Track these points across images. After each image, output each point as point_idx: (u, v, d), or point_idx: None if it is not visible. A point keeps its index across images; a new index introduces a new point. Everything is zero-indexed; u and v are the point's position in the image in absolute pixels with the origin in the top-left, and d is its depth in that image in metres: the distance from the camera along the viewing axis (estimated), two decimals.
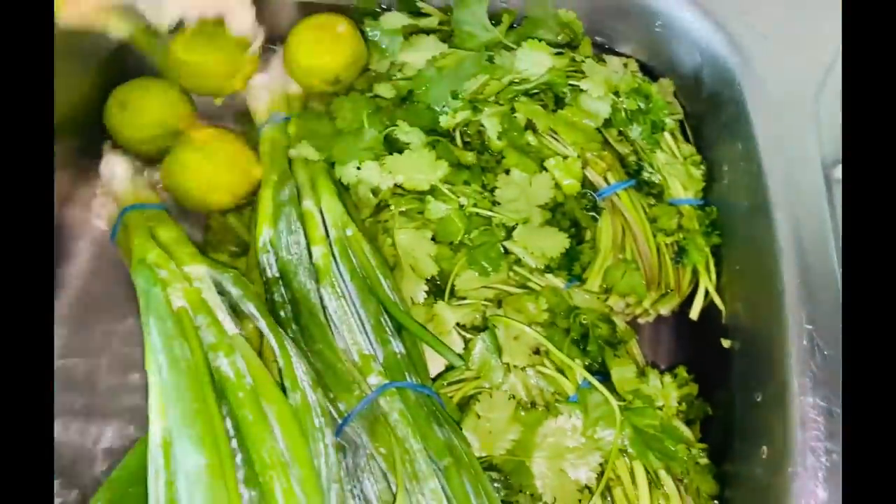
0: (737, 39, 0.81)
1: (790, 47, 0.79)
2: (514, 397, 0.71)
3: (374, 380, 0.64)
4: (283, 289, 0.71)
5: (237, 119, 0.89)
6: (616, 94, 0.83)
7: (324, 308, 0.69)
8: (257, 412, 0.60)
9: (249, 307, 0.67)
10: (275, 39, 0.89)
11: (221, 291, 0.68)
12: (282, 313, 0.70)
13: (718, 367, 0.76)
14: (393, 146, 0.81)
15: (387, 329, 0.68)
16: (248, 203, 0.82)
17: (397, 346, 0.67)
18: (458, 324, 0.74)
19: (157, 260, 0.68)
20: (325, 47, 0.85)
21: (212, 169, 0.79)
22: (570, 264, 0.77)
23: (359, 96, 0.83)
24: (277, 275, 0.72)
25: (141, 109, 0.82)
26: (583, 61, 0.84)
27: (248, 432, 0.59)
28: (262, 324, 0.66)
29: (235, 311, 0.67)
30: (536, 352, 0.73)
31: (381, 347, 0.67)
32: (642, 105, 0.82)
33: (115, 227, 0.76)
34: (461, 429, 0.68)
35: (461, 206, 0.78)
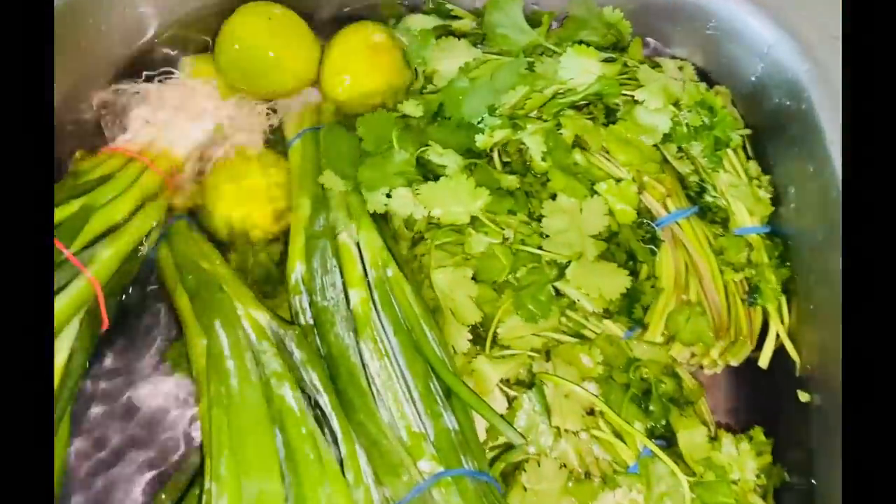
0: (806, 43, 0.72)
1: None
2: (564, 466, 0.62)
3: (426, 465, 0.55)
4: (318, 339, 0.63)
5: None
6: (675, 105, 0.72)
7: (364, 366, 0.60)
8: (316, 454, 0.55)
9: (312, 377, 0.59)
10: None
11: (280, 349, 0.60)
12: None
13: (794, 423, 0.68)
14: (425, 169, 0.71)
15: (437, 398, 0.59)
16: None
17: (450, 421, 0.58)
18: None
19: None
20: (361, 60, 0.78)
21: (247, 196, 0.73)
22: (631, 307, 0.68)
23: (384, 113, 0.73)
24: (311, 322, 0.63)
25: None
26: (637, 67, 0.74)
27: (306, 472, 0.54)
28: (325, 399, 0.58)
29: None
30: (590, 412, 0.64)
31: (432, 422, 0.58)
32: (706, 119, 0.72)
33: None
34: None
35: (505, 240, 0.68)
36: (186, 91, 0.78)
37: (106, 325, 0.66)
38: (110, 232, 0.67)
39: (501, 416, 0.61)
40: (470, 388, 0.61)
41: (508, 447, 0.64)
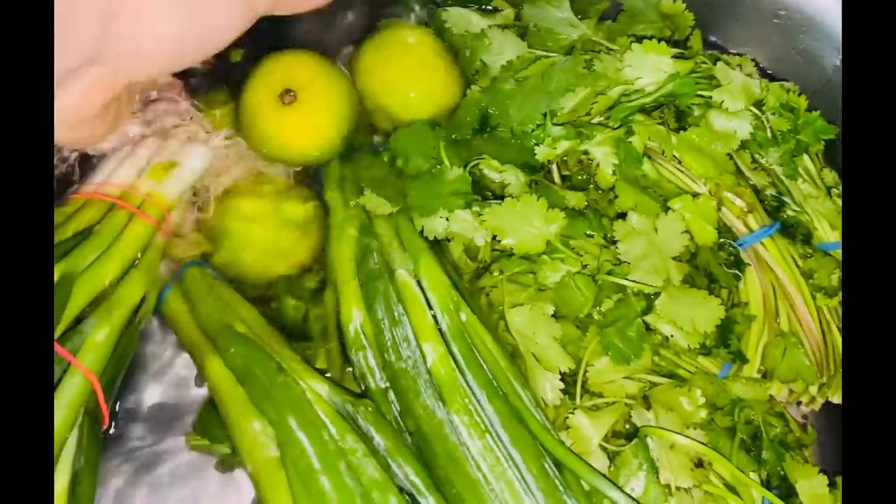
0: None
1: None
2: None
3: None
4: (396, 409, 0.53)
5: None
6: (757, 107, 0.65)
7: (464, 446, 0.50)
8: None
9: (407, 471, 0.50)
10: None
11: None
12: None
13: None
14: (478, 187, 0.62)
15: (557, 483, 0.50)
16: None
17: None
18: None
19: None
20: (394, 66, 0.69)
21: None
22: (726, 339, 0.60)
23: (423, 125, 0.63)
24: (385, 386, 0.53)
25: None
26: (710, 64, 0.66)
27: None
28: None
29: None
30: (699, 464, 0.56)
31: None
32: (791, 122, 0.65)
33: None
34: None
35: (583, 268, 0.59)
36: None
37: (107, 422, 0.54)
38: (97, 302, 0.54)
39: (624, 491, 0.52)
40: (591, 466, 0.52)
41: None
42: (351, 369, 0.57)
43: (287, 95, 0.64)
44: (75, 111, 0.48)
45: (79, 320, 0.54)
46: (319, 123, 0.66)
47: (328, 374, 0.57)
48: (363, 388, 0.55)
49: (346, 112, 0.68)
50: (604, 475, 0.52)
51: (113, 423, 0.60)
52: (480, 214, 0.59)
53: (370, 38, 0.71)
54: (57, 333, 0.51)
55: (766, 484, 0.57)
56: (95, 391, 0.52)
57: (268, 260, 0.64)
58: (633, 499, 0.51)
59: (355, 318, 0.56)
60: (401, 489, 0.49)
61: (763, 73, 0.74)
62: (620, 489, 0.52)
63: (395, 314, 0.55)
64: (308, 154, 0.67)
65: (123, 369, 0.58)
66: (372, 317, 0.55)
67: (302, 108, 0.65)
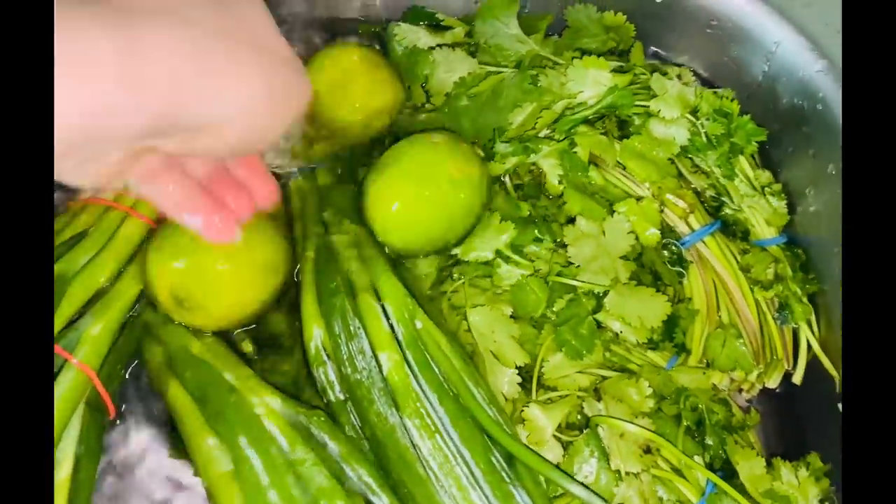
0: (815, 40, 0.71)
1: None
2: None
3: None
4: (354, 418, 0.56)
5: None
6: (692, 114, 0.70)
7: (415, 447, 0.54)
8: None
9: (360, 473, 0.53)
10: None
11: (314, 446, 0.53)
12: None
13: (833, 437, 0.67)
14: None
15: (503, 475, 0.54)
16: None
17: (522, 499, 0.54)
18: None
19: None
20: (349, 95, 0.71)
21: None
22: (671, 332, 0.65)
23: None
24: (343, 397, 0.57)
25: None
26: (647, 76, 0.71)
27: None
28: (384, 502, 0.52)
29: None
30: (647, 450, 0.61)
31: None
32: (724, 127, 0.70)
33: None
34: None
35: (536, 271, 0.64)
36: None
37: (112, 412, 0.57)
38: (95, 300, 0.58)
39: (574, 478, 0.57)
40: (538, 454, 0.56)
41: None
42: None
43: None
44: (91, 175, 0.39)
45: (77, 319, 0.57)
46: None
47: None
48: (325, 401, 0.59)
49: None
50: (550, 462, 0.57)
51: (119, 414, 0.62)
52: None
53: (317, 57, 0.74)
54: (55, 331, 0.54)
55: (710, 466, 0.61)
56: (94, 384, 0.55)
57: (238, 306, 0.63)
58: (579, 482, 0.56)
59: (315, 335, 0.59)
60: (357, 493, 0.54)
61: (702, 81, 0.79)
62: (565, 473, 0.56)
63: (352, 328, 0.58)
64: None
65: (125, 362, 0.62)
66: (330, 333, 0.59)
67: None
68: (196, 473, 0.57)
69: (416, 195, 0.63)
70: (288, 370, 0.61)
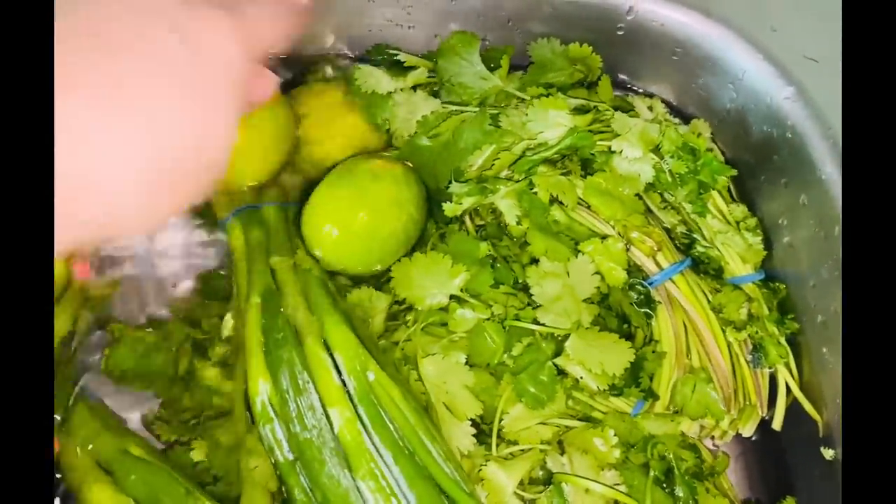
0: (782, 66, 0.70)
1: None
2: None
3: None
4: (304, 481, 0.56)
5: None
6: (656, 150, 0.70)
7: None
8: None
9: None
10: None
11: None
12: None
13: (816, 485, 0.66)
14: None
15: None
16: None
17: None
18: None
19: None
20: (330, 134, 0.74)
21: None
22: (637, 377, 0.64)
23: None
24: (292, 457, 0.57)
25: None
26: (611, 113, 0.70)
27: None
28: None
29: None
30: None
31: None
32: (689, 164, 0.69)
33: None
34: None
35: (493, 315, 0.63)
36: None
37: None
38: None
39: None
40: None
41: None
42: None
43: None
44: None
45: None
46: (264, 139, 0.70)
47: None
48: (273, 461, 0.58)
49: (284, 136, 0.72)
50: None
51: None
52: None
53: (304, 93, 0.75)
54: None
55: None
56: None
57: None
58: None
59: (262, 390, 0.58)
60: None
61: (672, 109, 0.78)
62: None
63: (300, 382, 0.58)
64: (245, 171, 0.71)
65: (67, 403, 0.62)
66: (277, 388, 0.58)
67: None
68: None
69: (348, 212, 0.67)
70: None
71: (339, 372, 0.58)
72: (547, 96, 0.70)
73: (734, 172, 0.72)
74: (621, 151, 0.69)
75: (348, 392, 0.58)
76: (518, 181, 0.69)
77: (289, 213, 0.71)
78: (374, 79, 0.74)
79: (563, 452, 0.61)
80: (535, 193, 0.68)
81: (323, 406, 0.58)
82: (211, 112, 0.36)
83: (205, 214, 0.73)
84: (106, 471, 0.59)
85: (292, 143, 0.73)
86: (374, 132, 0.74)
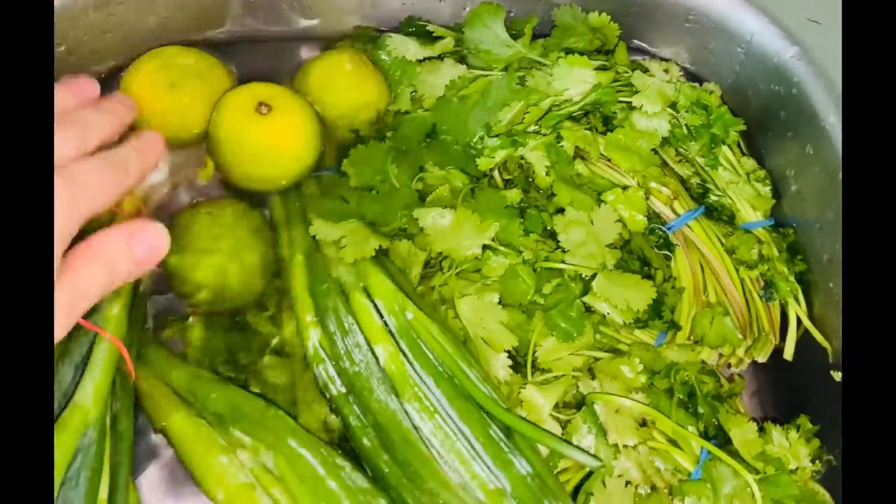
0: (787, 28, 0.76)
1: None
2: (629, 483, 0.64)
3: None
4: (357, 409, 0.62)
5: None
6: (672, 107, 0.76)
7: (417, 429, 0.60)
8: None
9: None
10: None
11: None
12: (365, 441, 0.62)
13: (826, 407, 0.71)
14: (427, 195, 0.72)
15: (502, 445, 0.60)
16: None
17: (522, 466, 0.59)
18: None
19: None
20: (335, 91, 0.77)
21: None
22: (659, 311, 0.70)
23: (377, 144, 0.73)
24: (345, 390, 0.63)
25: None
26: (629, 73, 0.77)
27: None
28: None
29: None
30: (642, 424, 0.66)
31: (504, 473, 0.59)
32: (703, 119, 0.76)
33: None
34: None
35: (525, 261, 0.69)
36: None
37: (133, 376, 0.64)
38: None
39: (570, 442, 0.62)
40: (529, 421, 0.62)
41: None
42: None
43: (263, 107, 0.71)
44: None
45: None
46: (297, 127, 0.74)
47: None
48: (328, 396, 0.64)
49: (315, 123, 0.76)
50: (544, 429, 0.62)
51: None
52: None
53: (310, 63, 0.80)
54: None
55: (704, 435, 0.66)
56: (122, 353, 0.62)
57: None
58: (574, 445, 0.61)
59: (312, 336, 0.65)
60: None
61: (687, 73, 0.85)
62: (560, 438, 0.62)
63: (346, 325, 0.64)
64: (289, 162, 0.74)
65: (138, 335, 0.68)
66: (326, 332, 0.65)
67: (278, 117, 0.72)
68: (203, 490, 0.62)
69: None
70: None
71: (380, 314, 0.65)
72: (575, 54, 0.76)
73: (744, 126, 0.78)
74: (641, 106, 0.75)
75: (390, 330, 0.64)
76: (546, 135, 0.75)
77: (322, 180, 0.76)
78: (404, 46, 0.80)
79: (593, 378, 0.67)
80: (562, 146, 0.74)
81: (368, 344, 0.64)
82: None
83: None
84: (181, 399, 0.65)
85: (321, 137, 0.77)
86: (377, 88, 0.79)
